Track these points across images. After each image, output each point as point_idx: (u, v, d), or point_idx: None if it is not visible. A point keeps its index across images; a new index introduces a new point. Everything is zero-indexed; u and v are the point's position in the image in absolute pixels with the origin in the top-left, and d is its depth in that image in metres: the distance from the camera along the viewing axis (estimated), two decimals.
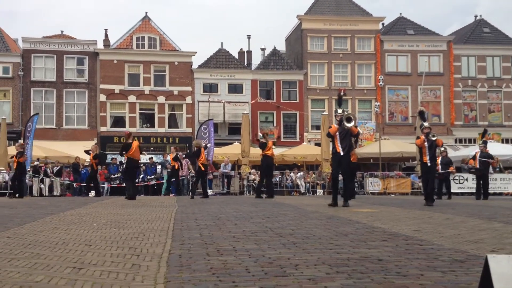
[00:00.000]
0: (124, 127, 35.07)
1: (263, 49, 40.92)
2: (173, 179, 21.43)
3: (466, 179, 23.20)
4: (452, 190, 23.40)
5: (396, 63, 38.16)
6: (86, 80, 35.07)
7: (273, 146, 17.20)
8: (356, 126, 11.31)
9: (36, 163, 23.23)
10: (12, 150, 25.48)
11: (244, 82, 36.46)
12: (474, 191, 18.79)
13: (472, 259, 4.11)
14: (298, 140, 35.54)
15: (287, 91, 37.05)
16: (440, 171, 18.35)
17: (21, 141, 23.16)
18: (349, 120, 10.72)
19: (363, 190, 24.26)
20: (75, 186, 23.04)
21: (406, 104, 37.74)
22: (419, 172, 21.33)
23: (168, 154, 23.56)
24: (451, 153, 31.34)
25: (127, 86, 35.27)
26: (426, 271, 3.63)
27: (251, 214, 8.60)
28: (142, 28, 36.78)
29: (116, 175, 23.19)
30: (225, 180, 23.54)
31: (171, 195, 21.68)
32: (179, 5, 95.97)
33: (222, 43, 40.34)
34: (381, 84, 37.33)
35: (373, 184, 24.41)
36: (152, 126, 35.60)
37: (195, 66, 36.54)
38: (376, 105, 36.98)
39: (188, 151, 28.74)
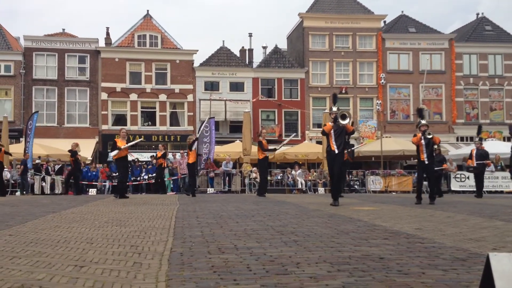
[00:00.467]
0: (126, 125, 35.06)
1: (264, 47, 40.91)
2: (160, 179, 21.20)
3: (468, 177, 23.18)
4: (453, 188, 23.47)
5: (398, 61, 38.11)
6: (87, 78, 35.09)
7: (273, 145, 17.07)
8: (353, 123, 11.24)
9: (37, 161, 23.27)
10: (14, 148, 25.59)
11: (246, 80, 36.46)
12: (475, 189, 18.66)
13: (473, 257, 4.10)
14: (299, 138, 35.53)
15: (288, 89, 37.05)
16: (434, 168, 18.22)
17: None
18: (343, 117, 10.62)
19: (365, 188, 24.26)
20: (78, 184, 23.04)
21: (407, 102, 37.70)
22: None
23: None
24: (453, 151, 31.38)
25: (128, 84, 35.28)
26: (428, 269, 3.62)
27: (253, 212, 8.60)
28: (144, 26, 36.78)
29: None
30: (227, 178, 23.56)
31: (171, 193, 21.72)
32: (180, 3, 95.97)
33: (223, 41, 40.37)
34: (382, 82, 37.29)
35: (375, 182, 24.41)
36: (154, 124, 35.62)
37: (196, 64, 36.54)
38: (377, 103, 36.96)
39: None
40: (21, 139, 30.15)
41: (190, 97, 35.79)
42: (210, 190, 22.88)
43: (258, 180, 23.65)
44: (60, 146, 27.83)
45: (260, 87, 36.57)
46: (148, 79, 35.53)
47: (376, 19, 38.82)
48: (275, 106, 36.40)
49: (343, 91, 37.09)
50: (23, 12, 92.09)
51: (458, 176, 23.76)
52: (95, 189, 22.56)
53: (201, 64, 36.72)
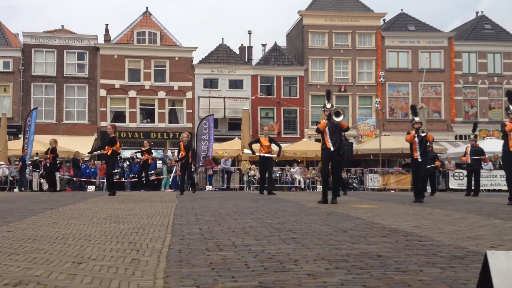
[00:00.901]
0: (125, 122, 35.10)
1: (264, 45, 40.91)
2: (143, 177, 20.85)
3: (466, 175, 23.16)
4: (451, 186, 23.49)
5: (397, 59, 38.13)
6: (86, 75, 35.06)
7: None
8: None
9: (35, 158, 23.25)
10: (13, 145, 25.58)
11: (245, 78, 36.45)
12: (466, 187, 18.28)
13: (471, 255, 4.11)
14: (298, 136, 35.54)
15: (287, 87, 37.04)
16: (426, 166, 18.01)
17: None
18: (337, 114, 10.46)
19: (363, 186, 24.28)
20: (75, 181, 23.07)
21: (406, 101, 37.71)
22: None
23: (167, 149, 23.54)
24: (451, 150, 31.39)
25: (127, 81, 35.26)
26: (425, 267, 3.63)
27: (251, 210, 8.60)
28: (143, 23, 36.73)
29: (116, 170, 23.19)
30: (225, 176, 23.56)
31: (168, 190, 21.71)
32: (180, 0, 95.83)
33: (223, 38, 40.43)
34: (381, 80, 37.31)
35: (373, 180, 24.43)
36: (153, 121, 35.61)
37: (195, 61, 36.52)
38: (376, 101, 36.97)
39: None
40: (19, 135, 30.12)
41: (189, 94, 35.77)
42: (209, 187, 22.88)
43: (257, 177, 23.73)
44: (59, 143, 27.69)
45: (259, 84, 36.57)
46: (147, 76, 35.51)
47: (375, 17, 38.80)
48: (274, 104, 36.40)
49: (342, 89, 37.11)
50: (22, 9, 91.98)
51: (457, 174, 23.77)
52: (94, 186, 22.53)
53: (200, 62, 36.70)
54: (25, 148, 23.06)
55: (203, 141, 25.32)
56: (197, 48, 36.61)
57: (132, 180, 23.10)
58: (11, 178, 22.13)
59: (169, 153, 24.56)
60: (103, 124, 34.75)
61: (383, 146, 26.67)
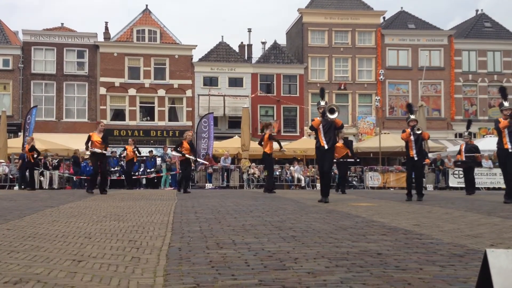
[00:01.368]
0: (124, 120, 35.09)
1: (263, 43, 40.87)
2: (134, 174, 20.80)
3: (462, 174, 23.15)
4: (451, 185, 23.48)
5: (397, 57, 38.10)
6: (86, 73, 35.02)
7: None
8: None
9: (35, 155, 23.21)
10: (13, 143, 25.56)
11: (245, 76, 36.42)
12: (465, 185, 18.13)
13: (471, 254, 4.11)
14: (298, 134, 35.53)
15: (287, 85, 37.02)
16: None
17: None
18: (332, 111, 10.22)
19: (363, 184, 24.29)
20: (74, 179, 23.06)
21: (406, 99, 37.65)
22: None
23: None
24: (451, 148, 31.38)
25: (127, 79, 35.23)
26: (425, 265, 3.63)
27: (251, 208, 8.61)
28: (143, 21, 36.69)
29: (116, 168, 23.20)
30: (225, 174, 23.57)
31: (168, 188, 21.70)
32: None
33: (222, 36, 40.32)
34: (381, 78, 37.29)
35: (373, 178, 24.44)
36: (152, 119, 35.58)
37: (195, 59, 36.48)
38: (376, 99, 36.94)
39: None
40: (19, 133, 30.11)
41: (188, 92, 35.75)
42: (209, 185, 22.89)
43: (256, 175, 23.74)
44: (59, 141, 27.81)
45: (259, 82, 36.54)
46: (147, 74, 35.48)
47: (375, 15, 38.77)
48: (274, 102, 36.38)
49: (342, 87, 37.09)
50: (21, 6, 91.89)
51: (456, 172, 23.76)
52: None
53: (200, 59, 36.66)
54: (25, 146, 23.04)
55: (203, 139, 25.34)
56: (196, 46, 36.59)
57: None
58: (11, 176, 22.13)
59: (169, 150, 24.56)
60: (103, 122, 34.74)
61: (383, 144, 26.67)
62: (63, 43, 34.81)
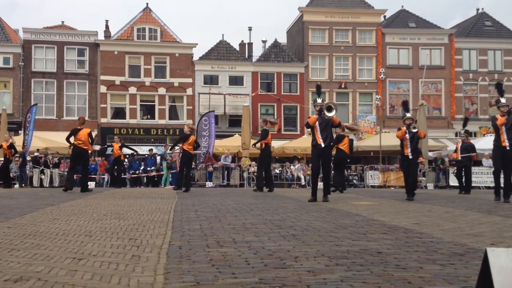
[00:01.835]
0: (125, 118, 35.09)
1: (264, 41, 40.82)
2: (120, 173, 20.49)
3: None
4: (451, 184, 23.48)
5: (398, 56, 38.07)
6: (86, 71, 35.02)
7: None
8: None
9: (36, 154, 23.26)
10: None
11: (245, 74, 36.41)
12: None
13: (471, 252, 4.11)
14: (298, 132, 35.53)
15: (287, 84, 37.00)
16: None
17: None
18: (329, 109, 10.05)
19: (363, 183, 24.30)
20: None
21: (407, 97, 37.58)
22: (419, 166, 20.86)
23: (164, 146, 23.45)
24: (451, 147, 31.35)
25: (127, 77, 35.21)
26: (426, 264, 3.63)
27: (251, 206, 8.61)
28: (143, 19, 36.67)
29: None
30: (225, 172, 23.58)
31: (168, 186, 21.69)
32: None
33: (223, 35, 40.34)
34: (382, 77, 37.27)
35: (373, 177, 24.46)
36: (153, 117, 35.58)
37: (196, 58, 36.47)
38: (377, 98, 36.94)
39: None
40: (20, 131, 30.11)
41: (189, 91, 35.74)
42: (209, 184, 22.90)
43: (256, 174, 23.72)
44: (59, 139, 27.75)
45: (259, 81, 36.52)
46: (147, 73, 35.46)
47: (376, 13, 38.74)
48: (274, 101, 36.37)
49: (343, 86, 37.07)
50: (22, 4, 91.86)
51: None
52: (94, 182, 22.53)
53: (201, 58, 36.65)
54: (25, 144, 23.07)
55: (203, 138, 25.33)
56: (197, 44, 36.58)
57: (132, 176, 23.13)
58: (11, 175, 22.12)
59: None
60: (103, 120, 34.76)
61: (383, 143, 26.65)
62: (64, 41, 34.80)
